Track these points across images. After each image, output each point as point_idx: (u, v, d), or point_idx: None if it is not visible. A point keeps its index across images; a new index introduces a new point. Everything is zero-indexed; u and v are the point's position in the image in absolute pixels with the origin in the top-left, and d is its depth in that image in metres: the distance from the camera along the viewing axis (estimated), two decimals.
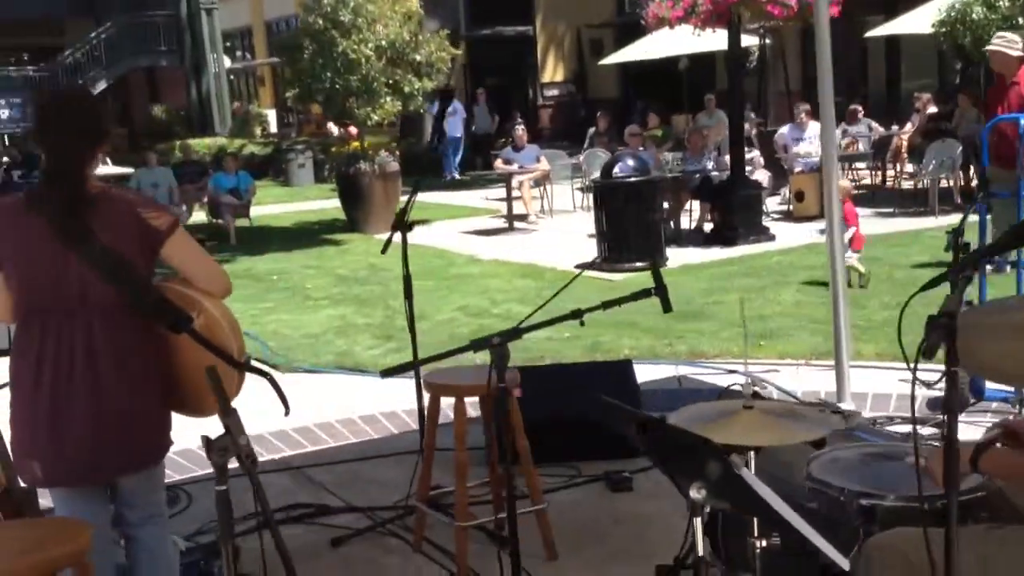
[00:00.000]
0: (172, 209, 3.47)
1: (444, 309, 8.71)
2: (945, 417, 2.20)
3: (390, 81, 13.92)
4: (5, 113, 14.29)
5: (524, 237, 13.10)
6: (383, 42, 13.62)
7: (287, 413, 2.80)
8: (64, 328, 3.01)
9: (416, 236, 13.08)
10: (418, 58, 13.96)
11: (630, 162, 10.73)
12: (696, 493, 2.21)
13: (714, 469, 2.16)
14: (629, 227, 10.38)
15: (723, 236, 11.37)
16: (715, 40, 12.38)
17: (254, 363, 3.14)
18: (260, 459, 5.47)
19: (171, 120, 25.04)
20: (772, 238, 11.38)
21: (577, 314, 3.04)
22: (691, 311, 8.04)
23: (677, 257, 10.63)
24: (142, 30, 25.14)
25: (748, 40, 15.98)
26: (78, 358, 3.01)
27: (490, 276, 10.40)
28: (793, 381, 6.13)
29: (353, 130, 22.78)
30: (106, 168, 16.57)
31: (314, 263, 11.37)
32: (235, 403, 2.41)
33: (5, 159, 14.87)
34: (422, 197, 17.15)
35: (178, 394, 3.19)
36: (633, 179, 10.48)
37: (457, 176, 20.03)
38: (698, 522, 2.23)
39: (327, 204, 16.22)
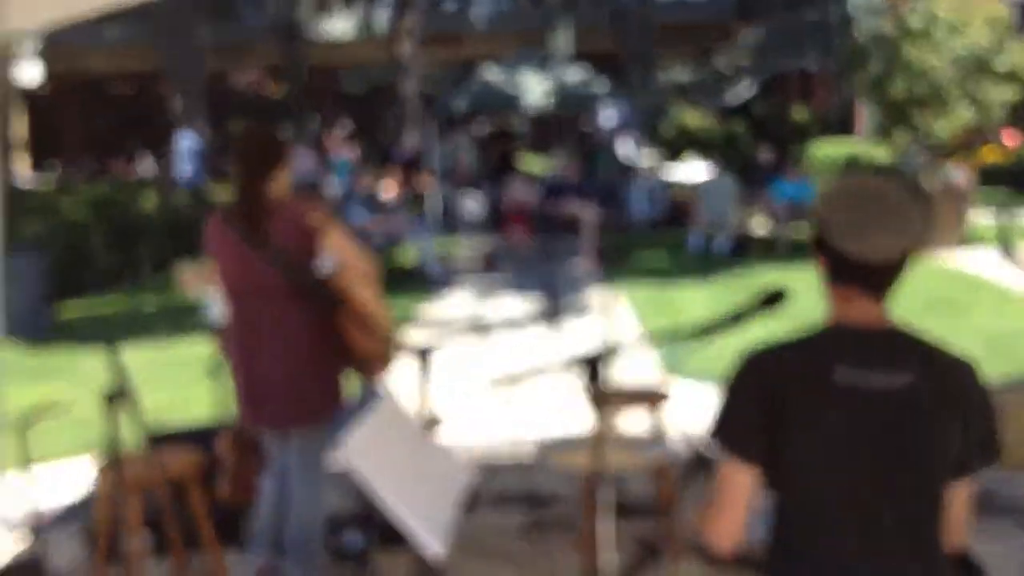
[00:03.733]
0: (324, 211, 4.28)
1: None
2: None
3: (968, 91, 12.93)
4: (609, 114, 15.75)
5: None
6: (961, 51, 12.69)
7: None
8: (250, 310, 3.88)
9: (974, 260, 12.12)
10: (1000, 69, 12.76)
11: None
12: None
13: None
14: None
15: None
16: None
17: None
18: None
19: (809, 122, 25.23)
20: None
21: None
22: None
23: None
24: (792, 33, 25.60)
25: None
26: (260, 332, 3.87)
27: (990, 313, 9.32)
28: None
29: (1009, 142, 21.05)
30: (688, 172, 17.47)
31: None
32: None
33: None
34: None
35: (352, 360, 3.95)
36: None
37: None
38: None
39: None
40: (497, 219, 13.92)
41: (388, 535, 4.45)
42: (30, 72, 24.38)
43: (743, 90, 26.02)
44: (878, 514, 2.19)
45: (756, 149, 17.67)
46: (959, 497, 2.27)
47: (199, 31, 21.25)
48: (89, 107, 28.33)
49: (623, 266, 12.79)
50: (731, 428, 2.27)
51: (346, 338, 3.87)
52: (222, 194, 18.81)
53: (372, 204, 12.54)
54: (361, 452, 2.35)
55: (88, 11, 4.76)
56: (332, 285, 3.81)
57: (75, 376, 8.13)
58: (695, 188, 14.80)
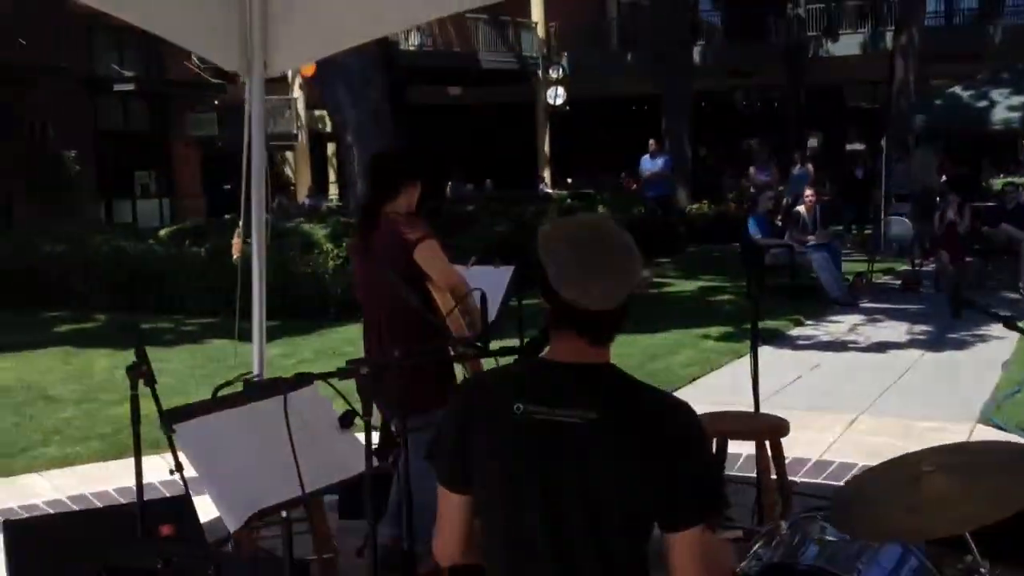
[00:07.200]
0: (423, 229, 4.67)
1: None
2: None
3: None
4: None
5: None
6: None
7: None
8: (370, 309, 4.48)
9: None
10: None
11: None
12: None
13: None
14: None
15: None
16: None
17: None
18: None
19: None
20: None
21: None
22: None
23: None
24: None
25: None
26: (376, 329, 4.42)
27: None
28: None
29: None
30: None
31: None
32: None
33: None
34: None
35: None
36: None
37: None
38: None
39: None
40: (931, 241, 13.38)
41: None
42: (557, 95, 27.22)
43: None
44: (537, 554, 2.11)
45: None
46: (678, 551, 2.09)
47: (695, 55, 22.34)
48: (603, 127, 30.72)
49: None
50: (437, 453, 2.26)
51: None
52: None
53: (773, 219, 12.78)
54: (192, 436, 2.80)
55: (331, 51, 5.77)
56: (421, 290, 4.21)
57: None
58: None
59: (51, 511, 5.25)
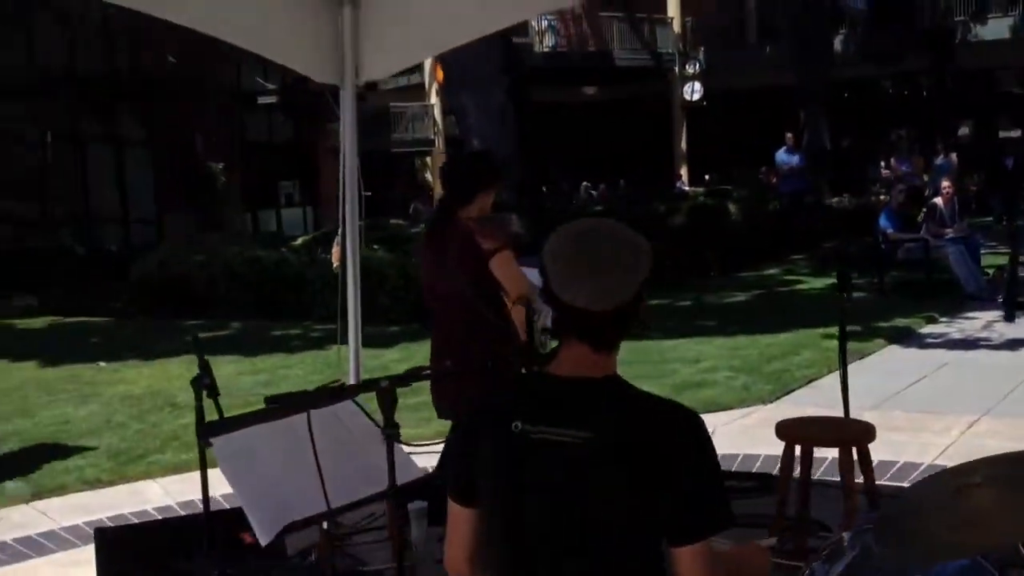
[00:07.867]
0: (500, 238, 4.55)
1: None
2: None
3: None
4: None
5: None
6: None
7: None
8: (437, 312, 4.50)
9: None
10: None
11: None
12: None
13: None
14: None
15: None
16: None
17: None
18: None
19: None
20: None
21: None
22: None
23: None
24: None
25: None
26: (441, 333, 4.49)
27: None
28: None
29: None
30: None
31: None
32: None
33: None
34: None
35: None
36: None
37: None
38: None
39: None
40: None
41: None
42: (693, 91, 26.84)
43: None
44: (539, 572, 2.09)
45: None
46: (685, 565, 2.05)
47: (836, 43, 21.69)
48: (741, 121, 30.02)
49: None
50: (447, 467, 2.37)
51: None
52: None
53: (907, 212, 12.30)
54: (228, 448, 2.91)
55: (419, 57, 5.67)
56: (493, 297, 4.25)
57: None
58: None
59: (159, 516, 5.47)
